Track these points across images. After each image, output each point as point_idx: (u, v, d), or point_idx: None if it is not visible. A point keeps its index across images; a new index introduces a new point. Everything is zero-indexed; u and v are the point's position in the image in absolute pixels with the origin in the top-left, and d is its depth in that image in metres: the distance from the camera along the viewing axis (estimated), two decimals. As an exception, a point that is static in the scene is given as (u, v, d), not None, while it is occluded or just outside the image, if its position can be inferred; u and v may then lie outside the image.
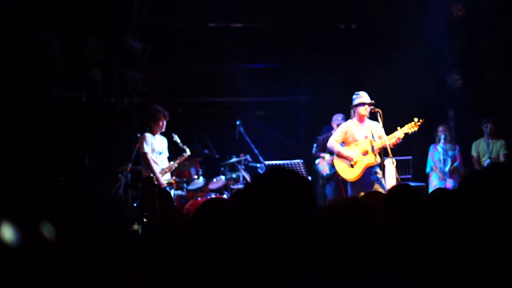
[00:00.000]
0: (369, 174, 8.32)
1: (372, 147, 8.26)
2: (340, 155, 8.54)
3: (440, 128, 10.49)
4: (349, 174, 8.48)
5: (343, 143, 8.59)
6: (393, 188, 4.16)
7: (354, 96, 8.53)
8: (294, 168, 9.75)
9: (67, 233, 2.51)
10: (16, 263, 2.43)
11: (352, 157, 8.36)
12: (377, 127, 8.39)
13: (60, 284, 2.38)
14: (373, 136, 8.34)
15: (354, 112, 8.54)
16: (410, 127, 8.15)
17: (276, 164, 9.86)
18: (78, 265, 2.42)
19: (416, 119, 8.14)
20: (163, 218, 3.44)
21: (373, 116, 8.50)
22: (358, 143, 8.43)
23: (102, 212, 2.61)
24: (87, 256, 2.45)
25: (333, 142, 8.63)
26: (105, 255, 2.49)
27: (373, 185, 8.16)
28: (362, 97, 8.46)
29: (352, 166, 8.43)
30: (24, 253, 2.46)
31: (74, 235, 2.50)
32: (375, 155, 8.32)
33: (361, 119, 8.50)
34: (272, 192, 2.20)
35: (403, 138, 8.23)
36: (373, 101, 8.40)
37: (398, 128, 8.20)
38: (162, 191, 5.82)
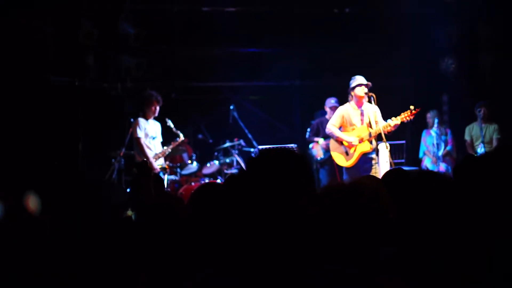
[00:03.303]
0: (364, 160, 8.30)
1: (369, 133, 8.22)
2: (339, 140, 8.51)
3: (429, 115, 10.54)
4: (344, 161, 8.46)
5: (340, 127, 8.54)
6: (389, 172, 4.15)
7: (350, 81, 8.48)
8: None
9: (62, 217, 2.51)
10: (11, 253, 2.43)
11: (353, 143, 8.30)
12: (375, 111, 8.33)
13: (54, 268, 2.38)
14: (370, 122, 8.28)
15: (352, 96, 8.47)
16: (406, 116, 8.10)
17: (269, 148, 9.81)
18: (72, 249, 2.42)
19: (412, 107, 8.08)
20: (158, 203, 3.44)
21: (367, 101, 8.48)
22: (355, 128, 8.39)
23: (97, 197, 2.61)
24: (80, 240, 2.45)
25: (331, 127, 8.54)
26: (99, 240, 2.49)
27: (367, 171, 8.15)
28: (357, 79, 8.40)
29: (347, 153, 8.40)
30: (16, 242, 2.46)
31: (69, 220, 2.50)
32: (370, 142, 8.29)
33: (359, 102, 8.41)
34: (269, 173, 2.18)
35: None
36: (369, 83, 8.34)
37: (393, 118, 8.16)
38: (154, 176, 5.82)
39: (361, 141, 8.27)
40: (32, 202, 2.51)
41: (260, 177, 2.18)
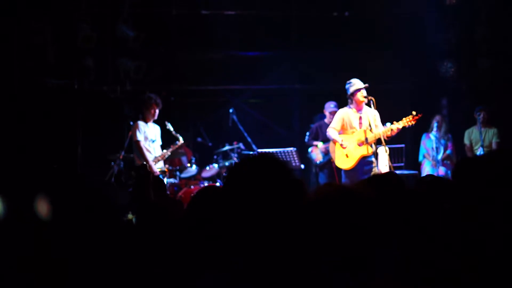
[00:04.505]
0: (363, 163, 8.32)
1: (366, 138, 8.23)
2: (335, 143, 8.53)
3: (437, 118, 10.56)
4: (344, 163, 8.48)
5: (340, 130, 8.55)
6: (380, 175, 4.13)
7: (347, 86, 8.48)
8: (287, 156, 9.76)
9: (62, 220, 2.50)
10: (12, 253, 2.42)
11: (339, 142, 8.34)
12: (375, 115, 8.35)
13: (53, 269, 2.37)
14: (370, 125, 8.29)
15: (352, 101, 8.47)
16: (408, 121, 8.10)
17: (268, 152, 9.83)
18: (71, 251, 2.41)
19: (414, 113, 8.08)
20: (155, 207, 3.43)
21: (366, 104, 8.48)
22: (354, 131, 8.40)
23: (97, 200, 2.60)
24: (80, 243, 2.44)
25: (330, 130, 8.59)
26: (99, 242, 2.48)
27: (367, 174, 8.16)
28: (355, 84, 8.41)
29: (346, 156, 8.41)
30: (16, 243, 2.45)
31: (69, 222, 2.49)
32: (370, 145, 8.30)
33: (359, 106, 8.44)
34: (248, 181, 2.18)
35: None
36: (367, 85, 8.35)
37: (394, 122, 8.16)
38: (155, 180, 5.80)
39: (361, 144, 8.28)
40: (43, 207, 2.50)
41: (240, 185, 2.18)
